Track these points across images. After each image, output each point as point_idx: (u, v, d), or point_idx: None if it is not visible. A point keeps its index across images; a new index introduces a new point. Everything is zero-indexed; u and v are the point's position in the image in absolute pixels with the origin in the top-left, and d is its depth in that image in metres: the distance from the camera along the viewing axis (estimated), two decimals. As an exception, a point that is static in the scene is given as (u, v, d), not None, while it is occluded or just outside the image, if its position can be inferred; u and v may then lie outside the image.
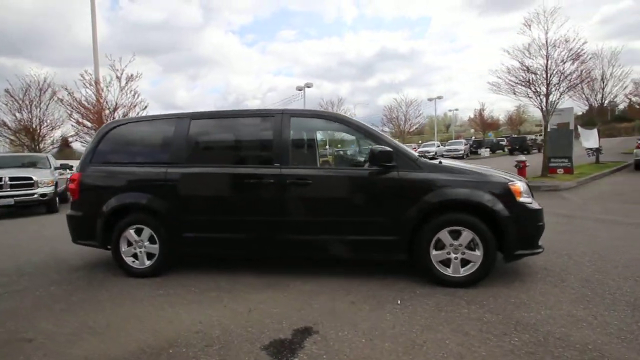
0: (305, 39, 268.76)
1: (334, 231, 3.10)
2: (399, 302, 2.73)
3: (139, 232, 3.47)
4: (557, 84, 9.47)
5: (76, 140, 16.92)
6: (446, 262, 2.98)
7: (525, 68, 10.16)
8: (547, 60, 9.65)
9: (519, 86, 10.08)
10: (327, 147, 3.74)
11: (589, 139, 12.72)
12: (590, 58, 10.71)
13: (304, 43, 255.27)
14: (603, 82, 13.13)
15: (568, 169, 10.60)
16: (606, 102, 13.93)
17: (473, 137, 38.16)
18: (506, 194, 2.92)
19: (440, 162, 3.14)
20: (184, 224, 3.34)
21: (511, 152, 28.08)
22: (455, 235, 2.94)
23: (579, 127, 13.25)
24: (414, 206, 2.95)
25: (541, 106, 10.15)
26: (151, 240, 3.46)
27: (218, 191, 3.34)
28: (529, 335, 2.20)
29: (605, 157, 14.48)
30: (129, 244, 3.50)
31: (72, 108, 11.87)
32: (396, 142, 3.18)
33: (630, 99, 18.00)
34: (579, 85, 11.12)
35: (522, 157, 9.43)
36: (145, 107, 12.33)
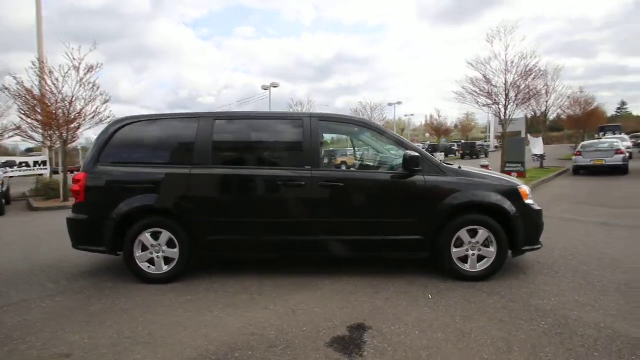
0: (263, 37, 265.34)
1: (364, 232, 3.25)
2: (429, 296, 2.95)
3: (155, 236, 3.32)
4: (515, 96, 10.57)
5: (15, 136, 15.17)
6: (464, 259, 3.27)
7: (486, 80, 11.14)
8: (506, 76, 10.72)
9: (482, 97, 11.05)
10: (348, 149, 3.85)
11: (536, 146, 14.30)
12: (542, 74, 12.06)
13: (263, 41, 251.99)
14: (547, 95, 14.90)
15: (521, 173, 11.80)
16: (549, 113, 15.82)
17: (428, 142, 40.61)
18: (516, 196, 3.29)
19: (460, 167, 3.44)
20: (210, 227, 3.26)
21: (462, 157, 30.54)
22: (473, 233, 3.24)
23: (529, 135, 14.84)
24: (438, 208, 3.20)
25: (500, 116, 11.22)
26: (169, 244, 3.32)
27: (248, 193, 3.32)
28: (552, 319, 2.53)
29: (547, 162, 16.31)
30: (144, 248, 3.33)
31: (21, 99, 10.59)
32: (420, 148, 3.41)
33: (564, 111, 20.48)
34: (533, 98, 12.44)
35: (485, 162, 10.35)
36: (107, 101, 11.39)
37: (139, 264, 3.33)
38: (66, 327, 2.54)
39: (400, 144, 3.38)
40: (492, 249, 3.24)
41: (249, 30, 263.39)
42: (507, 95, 10.66)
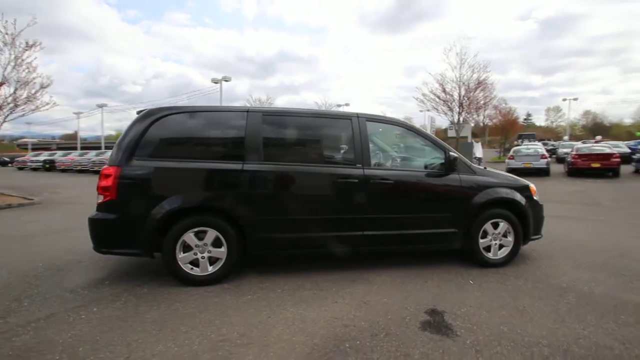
0: (200, 26, 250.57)
1: (409, 226, 3.50)
2: (471, 282, 3.32)
3: (199, 235, 3.14)
4: (468, 105, 11.94)
5: None
6: (487, 248, 3.72)
7: (443, 90, 12.37)
8: (460, 89, 12.05)
9: (440, 105, 12.26)
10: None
11: (477, 149, 16.23)
12: (490, 87, 13.81)
13: (199, 30, 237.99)
14: (485, 106, 17.05)
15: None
16: (486, 120, 18.10)
17: None
18: (528, 193, 3.85)
19: (485, 168, 3.89)
20: (261, 225, 3.19)
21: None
22: (495, 225, 3.71)
23: (473, 140, 16.76)
24: (470, 203, 3.60)
25: (453, 121, 12.54)
26: (215, 243, 3.17)
27: (301, 190, 3.31)
28: (574, 293, 3.06)
29: (481, 164, 18.57)
30: (187, 249, 3.13)
31: None
32: (453, 149, 3.77)
33: (491, 120, 23.52)
34: (481, 108, 14.14)
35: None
36: (48, 85, 9.88)
37: (182, 266, 3.12)
38: (136, 337, 2.32)
39: (436, 144, 3.70)
40: (510, 239, 3.75)
41: (183, 17, 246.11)
42: (461, 104, 11.97)
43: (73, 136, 68.77)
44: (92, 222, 3.10)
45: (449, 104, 12.19)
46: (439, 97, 12.22)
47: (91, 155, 24.39)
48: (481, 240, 3.68)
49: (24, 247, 4.68)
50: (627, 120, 60.79)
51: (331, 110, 3.48)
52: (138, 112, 3.31)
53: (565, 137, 35.28)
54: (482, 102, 16.66)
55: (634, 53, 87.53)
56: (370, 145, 3.54)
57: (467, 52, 12.18)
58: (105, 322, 2.53)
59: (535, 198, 3.92)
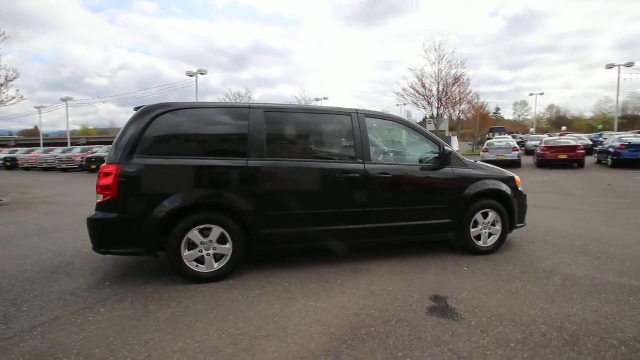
0: (169, 16, 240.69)
1: (408, 218, 3.64)
2: (465, 268, 3.53)
3: (204, 232, 3.13)
4: (446, 100, 12.37)
5: None
6: (477, 237, 3.94)
7: (422, 85, 12.72)
8: (439, 85, 12.45)
9: (420, 100, 12.62)
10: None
11: (453, 143, 16.86)
12: (466, 82, 14.34)
13: (168, 20, 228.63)
14: (461, 100, 17.70)
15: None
16: (460, 115, 18.82)
17: None
18: (514, 184, 4.10)
19: (475, 161, 4.09)
20: (264, 220, 3.23)
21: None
22: (484, 215, 3.94)
23: (450, 133, 17.36)
24: (463, 195, 3.79)
25: (433, 115, 12.94)
26: (220, 240, 3.18)
27: (304, 185, 3.36)
28: (559, 276, 3.32)
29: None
30: (192, 246, 3.12)
31: None
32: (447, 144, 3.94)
33: (465, 114, 24.47)
34: (458, 103, 14.66)
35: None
36: (14, 78, 9.26)
37: (187, 264, 3.11)
38: (152, 336, 2.31)
39: (431, 139, 3.86)
40: (498, 228, 3.99)
41: (151, 6, 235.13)
42: (439, 100, 12.38)
43: (33, 132, 64.47)
44: (92, 222, 3.01)
45: (429, 99, 12.58)
46: (419, 92, 12.59)
47: (57, 152, 23.13)
48: (472, 230, 3.89)
49: (4, 250, 4.45)
50: (588, 114, 64.98)
51: (331, 107, 3.50)
52: (136, 109, 3.23)
53: (532, 130, 37.18)
54: (458, 97, 17.32)
55: (593, 51, 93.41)
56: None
57: (445, 48, 12.61)
58: (116, 322, 2.50)
59: (519, 189, 4.19)
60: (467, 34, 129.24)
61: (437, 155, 3.74)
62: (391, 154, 4.23)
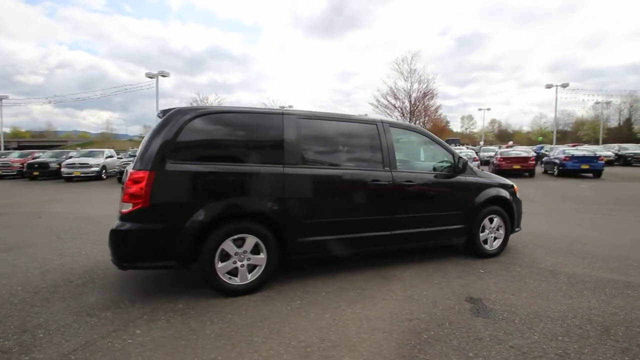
0: (117, 14, 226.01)
1: (429, 224, 3.79)
2: (481, 271, 3.75)
3: (237, 242, 3.00)
4: (417, 111, 13.09)
5: None
6: (484, 241, 4.23)
7: (395, 97, 13.37)
8: (411, 97, 13.18)
9: (394, 112, 13.22)
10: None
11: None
12: (437, 95, 15.33)
13: (116, 18, 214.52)
14: (430, 113, 18.89)
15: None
16: (424, 126, 19.99)
17: None
18: (513, 190, 4.46)
19: (482, 170, 4.39)
20: (300, 228, 3.17)
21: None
22: (490, 220, 4.24)
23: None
24: (474, 201, 4.05)
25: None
26: (253, 250, 3.07)
27: (338, 193, 3.37)
28: (563, 275, 3.66)
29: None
30: (225, 257, 2.97)
31: None
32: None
33: (424, 125, 26.12)
34: (426, 115, 15.54)
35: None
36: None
37: (221, 276, 2.95)
38: (212, 355, 2.16)
39: (446, 149, 4.09)
40: (502, 232, 4.31)
41: (97, 2, 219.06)
42: (412, 112, 13.07)
43: (-49, 134, 56.29)
44: (118, 234, 2.74)
45: (402, 110, 13.25)
46: (394, 105, 13.23)
47: (-9, 157, 20.44)
48: (481, 234, 4.17)
49: (-26, 269, 3.85)
50: (526, 128, 72.42)
51: (357, 116, 3.53)
52: (163, 113, 3.03)
53: (481, 142, 40.42)
54: (424, 111, 18.41)
55: (528, 70, 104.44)
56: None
57: (415, 63, 13.44)
58: (162, 344, 2.30)
59: (517, 195, 4.57)
60: (419, 49, 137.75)
61: (451, 163, 3.97)
62: (411, 162, 4.39)
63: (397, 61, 14.27)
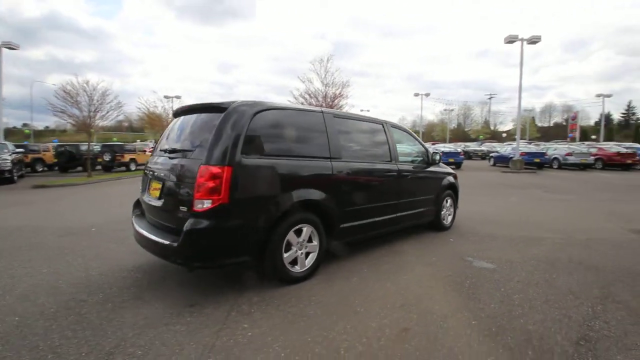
0: None
1: (416, 207, 4.68)
2: (451, 240, 4.87)
3: (297, 232, 3.22)
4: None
5: None
6: (444, 218, 5.43)
7: (310, 95, 14.32)
8: (326, 98, 14.28)
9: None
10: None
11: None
12: (350, 96, 16.88)
13: None
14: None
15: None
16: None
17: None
18: (456, 178, 5.82)
19: (442, 162, 5.55)
20: (342, 216, 3.56)
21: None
22: (446, 202, 5.47)
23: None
24: (441, 186, 5.18)
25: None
26: (309, 239, 3.33)
27: (368, 183, 3.91)
28: (500, 238, 5.13)
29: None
30: (287, 248, 3.15)
31: None
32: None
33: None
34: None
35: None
36: None
37: (286, 265, 3.11)
38: (338, 326, 2.44)
39: (422, 145, 5.08)
40: (452, 210, 5.61)
41: None
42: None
43: None
44: (196, 232, 2.60)
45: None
46: (310, 103, 14.02)
47: None
48: (442, 213, 5.34)
49: None
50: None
51: (370, 116, 3.94)
52: (221, 107, 2.95)
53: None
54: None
55: (387, 79, 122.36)
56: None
57: (331, 64, 14.61)
58: (285, 328, 2.42)
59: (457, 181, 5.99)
60: (300, 49, 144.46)
61: (426, 157, 4.99)
62: (403, 157, 5.18)
63: (312, 62, 15.24)
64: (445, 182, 5.33)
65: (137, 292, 3.02)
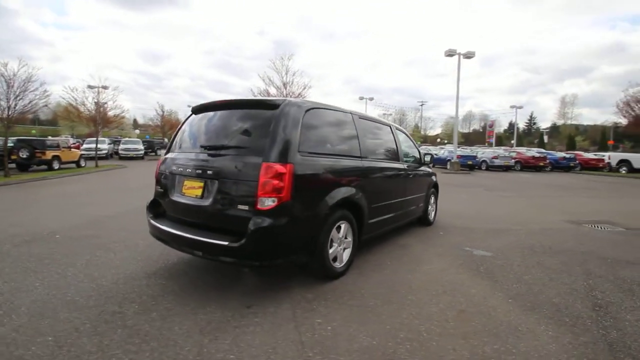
0: None
1: (414, 203, 5.06)
2: (441, 233, 5.38)
3: (337, 230, 3.31)
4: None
5: None
6: (430, 213, 5.95)
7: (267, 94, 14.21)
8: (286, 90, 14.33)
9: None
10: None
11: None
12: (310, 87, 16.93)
13: None
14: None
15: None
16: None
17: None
18: (436, 177, 6.41)
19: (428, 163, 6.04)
20: (369, 212, 3.73)
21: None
22: (431, 199, 6.00)
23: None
24: (428, 184, 5.67)
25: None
26: (345, 236, 3.43)
27: (387, 181, 4.13)
28: (477, 230, 5.81)
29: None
30: (331, 244, 3.22)
31: None
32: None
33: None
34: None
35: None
36: None
37: (330, 262, 3.18)
38: (406, 312, 2.61)
39: (415, 146, 5.49)
40: (435, 206, 6.17)
41: None
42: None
43: None
44: (261, 231, 2.52)
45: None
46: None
47: None
48: (429, 209, 5.85)
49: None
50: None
51: (380, 119, 4.00)
52: (277, 103, 2.90)
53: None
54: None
55: (328, 80, 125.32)
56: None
57: (291, 63, 14.72)
58: (358, 320, 2.51)
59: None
60: (240, 45, 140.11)
61: (419, 157, 5.43)
62: (404, 157, 5.50)
63: (273, 59, 15.27)
64: (431, 181, 5.84)
65: (177, 299, 2.80)
